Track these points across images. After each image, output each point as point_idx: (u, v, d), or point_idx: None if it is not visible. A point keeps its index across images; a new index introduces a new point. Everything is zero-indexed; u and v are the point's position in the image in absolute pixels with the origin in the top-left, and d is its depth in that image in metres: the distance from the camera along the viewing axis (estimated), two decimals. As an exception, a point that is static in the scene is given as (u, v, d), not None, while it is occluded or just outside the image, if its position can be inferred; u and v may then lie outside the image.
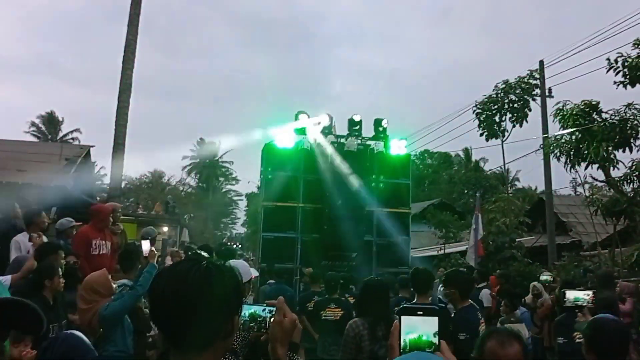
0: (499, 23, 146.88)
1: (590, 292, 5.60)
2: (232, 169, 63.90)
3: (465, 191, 40.16)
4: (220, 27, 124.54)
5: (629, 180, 11.70)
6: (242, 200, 61.45)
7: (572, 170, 12.65)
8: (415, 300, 5.04)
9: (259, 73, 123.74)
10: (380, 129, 11.16)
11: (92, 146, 19.66)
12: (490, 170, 42.19)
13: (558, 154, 12.71)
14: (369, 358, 3.99)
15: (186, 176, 57.65)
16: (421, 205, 36.20)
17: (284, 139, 10.68)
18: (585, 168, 12.46)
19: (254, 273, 4.24)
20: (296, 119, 10.73)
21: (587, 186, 14.91)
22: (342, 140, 10.67)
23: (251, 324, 2.10)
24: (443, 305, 5.20)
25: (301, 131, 10.79)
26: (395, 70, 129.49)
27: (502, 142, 16.83)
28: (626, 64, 10.89)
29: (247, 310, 2.10)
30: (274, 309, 1.97)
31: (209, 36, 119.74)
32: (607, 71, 11.21)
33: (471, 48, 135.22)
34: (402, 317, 1.55)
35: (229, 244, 40.96)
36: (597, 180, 13.38)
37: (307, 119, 10.70)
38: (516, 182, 48.07)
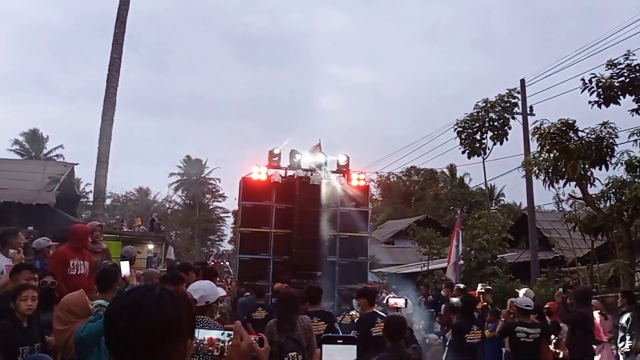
0: (486, 40, 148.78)
1: (404, 298, 8.24)
2: (219, 186, 63.84)
3: (451, 207, 40.38)
4: (209, 44, 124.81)
5: (605, 198, 11.88)
6: (229, 217, 61.32)
7: (551, 187, 12.85)
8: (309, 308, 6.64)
9: (247, 89, 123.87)
10: (343, 164, 12.47)
11: (76, 164, 19.65)
12: (475, 186, 42.53)
13: (537, 172, 12.90)
14: (277, 346, 5.55)
15: (172, 193, 57.37)
16: (407, 221, 36.39)
17: (258, 173, 11.98)
18: (564, 186, 12.67)
19: (222, 292, 4.44)
20: (270, 155, 12.15)
21: (570, 201, 15.15)
22: (309, 174, 11.98)
23: (210, 348, 2.15)
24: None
25: (273, 166, 12.17)
26: (383, 87, 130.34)
27: (484, 159, 17.05)
28: (600, 84, 11.13)
29: (205, 335, 2.15)
30: (232, 332, 2.04)
31: (197, 53, 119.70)
32: (582, 91, 11.45)
33: (458, 64, 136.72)
34: (323, 346, 1.62)
35: (216, 261, 40.80)
36: (574, 197, 13.59)
37: (278, 155, 12.20)
38: (502, 198, 48.51)
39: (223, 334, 2.14)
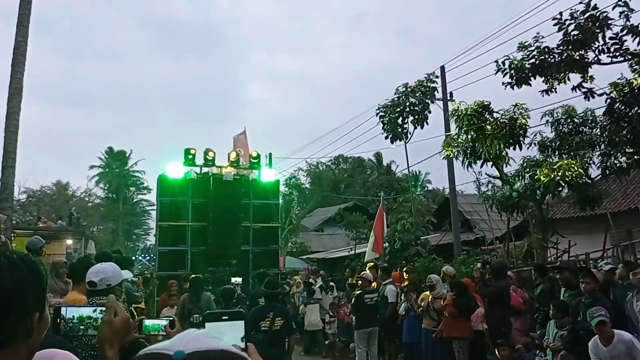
0: (411, 29, 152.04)
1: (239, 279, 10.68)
2: (144, 179, 61.79)
3: (379, 193, 41.20)
4: (130, 31, 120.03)
5: (520, 177, 12.32)
6: (154, 210, 59.59)
7: (470, 168, 13.20)
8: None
9: (171, 79, 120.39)
10: (255, 160, 13.33)
11: (-20, 156, 18.29)
12: (401, 171, 43.54)
13: (455, 154, 13.23)
14: (187, 310, 8.11)
15: (93, 186, 54.84)
16: (336, 208, 36.78)
17: (175, 170, 12.68)
18: (481, 166, 13.03)
19: (127, 275, 4.30)
20: (186, 154, 12.81)
21: (490, 185, 15.61)
22: (223, 170, 12.80)
23: (80, 327, 1.94)
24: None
25: (189, 164, 12.93)
26: (310, 75, 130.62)
27: (405, 143, 17.38)
28: (512, 66, 11.50)
29: (75, 313, 1.95)
30: (105, 308, 1.85)
31: (117, 41, 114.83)
32: (496, 73, 11.78)
33: (385, 53, 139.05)
34: (207, 324, 1.47)
35: (142, 255, 39.74)
36: (491, 176, 14.04)
37: (194, 154, 12.91)
38: (427, 185, 49.98)
39: (95, 310, 1.97)
